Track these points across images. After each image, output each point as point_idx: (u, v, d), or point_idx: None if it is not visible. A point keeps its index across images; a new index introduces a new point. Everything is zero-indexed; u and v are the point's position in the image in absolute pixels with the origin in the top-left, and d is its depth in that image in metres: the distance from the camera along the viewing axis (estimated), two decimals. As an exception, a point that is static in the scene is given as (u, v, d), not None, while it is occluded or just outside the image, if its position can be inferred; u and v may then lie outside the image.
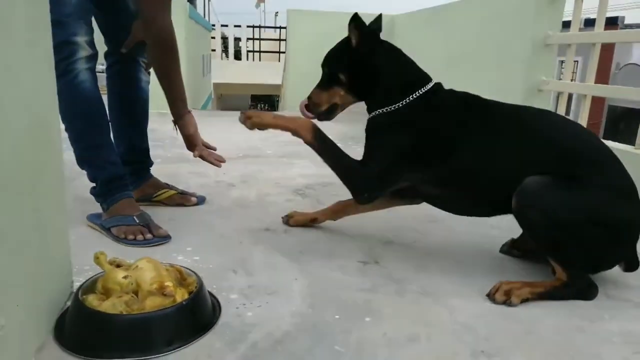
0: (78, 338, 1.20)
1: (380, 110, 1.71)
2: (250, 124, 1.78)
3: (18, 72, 1.08)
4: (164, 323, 1.21)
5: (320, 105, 1.78)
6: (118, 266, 1.34)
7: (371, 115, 1.75)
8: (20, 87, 1.10)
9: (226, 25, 12.81)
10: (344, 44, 1.73)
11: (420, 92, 1.67)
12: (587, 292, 1.52)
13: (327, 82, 1.76)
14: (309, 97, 1.80)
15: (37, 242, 1.18)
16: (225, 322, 1.33)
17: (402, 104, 1.67)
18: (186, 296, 1.29)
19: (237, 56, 14.66)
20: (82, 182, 2.43)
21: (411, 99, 1.67)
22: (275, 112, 1.67)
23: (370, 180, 1.71)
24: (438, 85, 1.73)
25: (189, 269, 1.42)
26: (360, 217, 2.16)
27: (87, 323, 1.20)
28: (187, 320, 1.25)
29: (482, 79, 3.55)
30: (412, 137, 1.66)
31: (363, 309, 1.42)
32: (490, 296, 1.49)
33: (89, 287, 1.31)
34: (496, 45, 3.70)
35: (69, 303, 1.36)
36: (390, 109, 1.69)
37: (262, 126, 1.77)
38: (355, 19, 1.65)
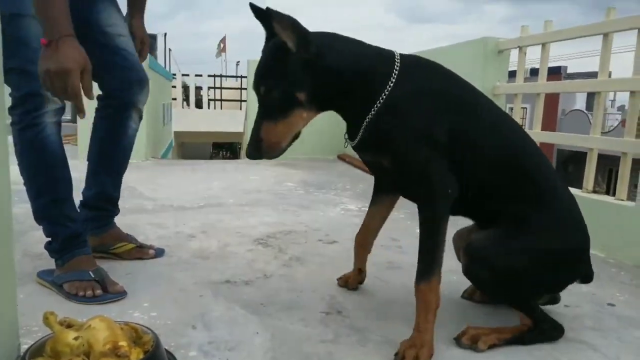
0: (23, 407, 1.12)
1: (371, 115, 1.40)
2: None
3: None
4: (118, 386, 1.15)
5: (280, 143, 1.38)
6: (69, 326, 1.27)
7: (364, 125, 1.42)
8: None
9: (187, 75, 12.92)
10: (278, 52, 1.33)
11: (397, 69, 1.40)
12: (552, 333, 1.52)
13: (279, 108, 1.35)
14: (257, 140, 1.37)
15: (-20, 304, 1.12)
16: (183, 381, 1.28)
17: (386, 92, 1.38)
18: (141, 356, 1.24)
19: (199, 104, 14.74)
20: (32, 237, 2.34)
21: (394, 81, 1.39)
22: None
23: (444, 192, 1.42)
24: (401, 54, 1.48)
25: (145, 327, 1.36)
26: (321, 266, 2.16)
27: (33, 390, 1.13)
28: (143, 382, 1.20)
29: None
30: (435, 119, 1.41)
31: (325, 361, 1.39)
32: (458, 340, 1.48)
33: (37, 350, 1.24)
34: (449, 95, 3.86)
35: (15, 368, 1.28)
36: (379, 104, 1.39)
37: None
38: (276, 15, 1.27)
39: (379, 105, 1.39)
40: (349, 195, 3.89)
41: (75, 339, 1.21)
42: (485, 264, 1.46)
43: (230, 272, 2.07)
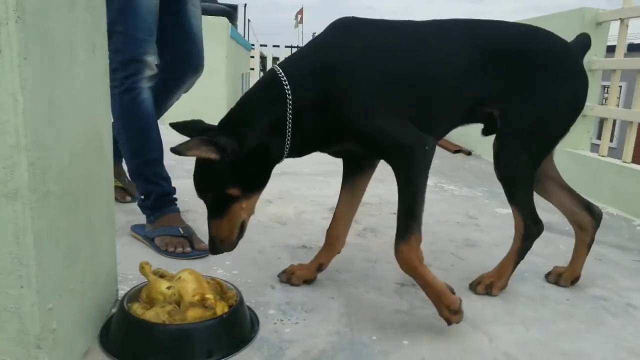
0: (121, 345, 1.23)
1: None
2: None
3: (78, 88, 1.15)
4: (205, 335, 1.23)
5: (230, 237, 1.43)
6: (161, 276, 1.37)
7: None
8: (79, 103, 1.16)
9: (265, 45, 13.07)
10: (203, 162, 1.34)
11: (285, 82, 1.34)
12: (535, 233, 1.59)
13: (220, 207, 1.40)
14: (211, 238, 1.44)
15: (88, 249, 1.23)
16: (263, 337, 1.34)
17: (290, 109, 1.34)
18: (226, 309, 1.31)
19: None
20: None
21: (291, 96, 1.33)
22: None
23: (418, 141, 1.36)
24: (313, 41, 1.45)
25: (229, 283, 1.44)
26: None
27: (131, 331, 1.24)
28: (227, 333, 1.27)
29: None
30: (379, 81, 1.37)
31: (400, 331, 1.40)
32: (472, 287, 1.65)
33: (134, 295, 1.35)
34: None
35: (114, 310, 1.40)
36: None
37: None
38: (181, 149, 1.25)
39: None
40: (424, 170, 3.82)
41: (168, 288, 1.31)
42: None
43: (306, 238, 2.12)
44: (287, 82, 1.33)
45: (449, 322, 1.36)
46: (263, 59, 14.51)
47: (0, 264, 0.94)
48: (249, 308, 1.43)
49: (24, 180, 0.92)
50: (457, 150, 4.68)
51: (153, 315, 1.24)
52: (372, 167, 1.67)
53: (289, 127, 1.35)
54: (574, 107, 1.55)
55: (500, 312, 1.55)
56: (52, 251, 1.02)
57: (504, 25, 1.57)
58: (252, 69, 12.39)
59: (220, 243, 1.43)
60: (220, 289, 1.40)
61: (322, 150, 1.49)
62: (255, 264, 1.83)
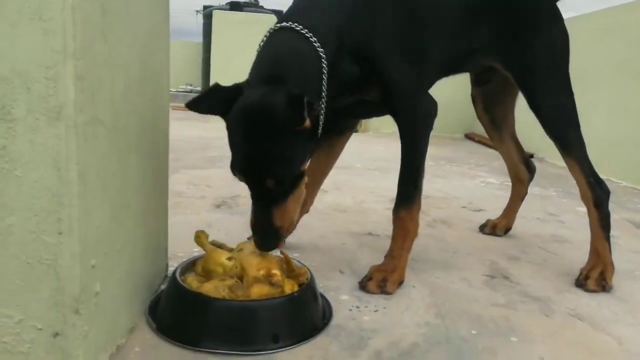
0: (173, 322, 1.03)
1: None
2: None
3: (136, 14, 0.96)
4: (272, 315, 1.02)
5: (294, 220, 1.18)
6: (219, 248, 1.17)
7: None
8: (136, 30, 0.98)
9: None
10: (282, 133, 1.05)
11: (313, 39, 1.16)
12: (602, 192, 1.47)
13: (288, 191, 1.11)
14: (274, 229, 1.11)
15: (139, 205, 1.04)
16: (338, 324, 1.11)
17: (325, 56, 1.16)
18: (296, 288, 1.09)
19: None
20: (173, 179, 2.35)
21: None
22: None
23: (421, 96, 1.33)
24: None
25: (297, 260, 1.22)
26: (472, 231, 1.91)
27: (185, 305, 1.03)
28: (298, 314, 1.05)
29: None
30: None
31: (504, 327, 1.15)
32: (580, 284, 1.40)
33: (187, 268, 1.15)
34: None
35: (163, 287, 1.20)
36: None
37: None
38: (297, 98, 1.02)
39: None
40: (486, 170, 3.54)
41: (229, 259, 1.10)
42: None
43: (371, 226, 1.89)
44: (312, 36, 1.15)
45: (365, 288, 1.29)
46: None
47: (36, 203, 0.75)
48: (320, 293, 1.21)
49: (70, 96, 0.73)
50: (518, 153, 4.35)
51: (211, 288, 1.03)
52: (351, 130, 1.59)
53: (325, 83, 1.17)
54: (568, 42, 1.52)
55: (619, 312, 1.27)
56: (98, 194, 0.83)
57: None
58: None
59: (287, 231, 1.15)
60: (287, 266, 1.18)
61: (338, 103, 1.29)
62: (318, 248, 1.62)
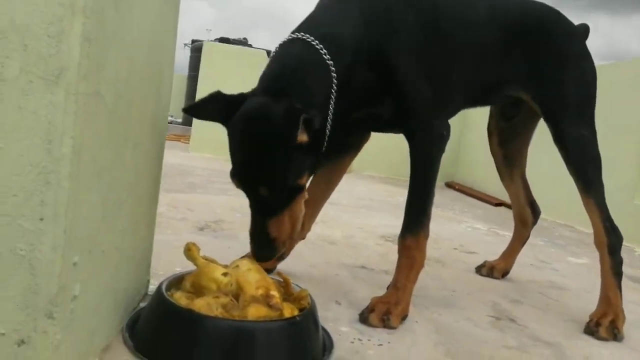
0: (156, 341, 0.90)
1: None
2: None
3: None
4: (273, 339, 0.90)
5: (292, 234, 1.12)
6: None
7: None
8: (144, 23, 0.90)
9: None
10: (279, 146, 1.02)
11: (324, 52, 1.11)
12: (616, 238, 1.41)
13: (284, 202, 1.07)
14: (269, 239, 1.08)
15: (130, 207, 0.92)
16: (341, 356, 1.00)
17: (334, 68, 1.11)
18: (296, 312, 0.98)
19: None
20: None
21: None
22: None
23: (438, 123, 1.27)
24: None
25: (297, 285, 1.11)
26: (468, 272, 1.82)
27: (171, 323, 0.90)
28: (299, 341, 0.93)
29: None
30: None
31: (520, 370, 1.05)
32: (591, 331, 1.32)
33: (174, 284, 1.02)
34: None
35: (142, 304, 1.07)
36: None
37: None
38: (294, 112, 1.00)
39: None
40: (470, 216, 3.50)
41: (224, 275, 0.98)
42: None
43: (363, 260, 1.79)
44: (322, 48, 1.11)
45: (367, 321, 1.18)
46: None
47: (16, 181, 0.63)
48: (317, 321, 1.09)
49: (74, 58, 0.63)
50: (499, 204, 4.36)
51: (204, 305, 0.91)
52: (357, 150, 1.51)
53: (333, 96, 1.13)
54: (596, 81, 1.50)
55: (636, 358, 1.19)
56: (92, 182, 0.72)
57: (519, 4, 1.50)
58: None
59: (282, 243, 1.11)
60: (286, 288, 1.07)
61: (349, 117, 1.25)
62: (312, 277, 1.50)
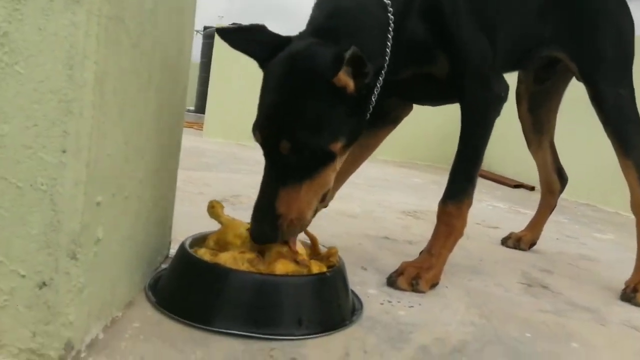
0: (180, 295, 0.86)
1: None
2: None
3: None
4: (300, 295, 0.86)
5: (306, 216, 0.94)
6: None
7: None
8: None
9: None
10: (322, 94, 0.90)
11: None
12: None
13: (308, 167, 0.92)
14: (273, 215, 0.90)
15: (153, 153, 0.88)
16: (370, 316, 0.95)
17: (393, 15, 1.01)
18: (324, 269, 0.93)
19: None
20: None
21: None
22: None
23: (496, 81, 1.19)
24: None
25: (323, 246, 1.06)
26: (493, 245, 1.77)
27: (195, 277, 0.86)
28: (328, 298, 0.89)
29: None
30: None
31: (560, 333, 1.00)
32: (627, 297, 1.25)
33: (197, 242, 0.98)
34: None
35: (164, 266, 1.03)
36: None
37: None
38: (345, 58, 0.86)
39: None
40: (489, 196, 3.43)
41: (249, 230, 0.94)
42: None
43: (386, 231, 1.74)
44: None
45: (395, 284, 1.12)
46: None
47: (37, 110, 0.59)
48: (344, 282, 1.05)
49: (96, -25, 0.58)
50: (518, 185, 4.28)
51: (229, 259, 0.87)
52: (395, 123, 1.43)
53: (389, 47, 1.01)
54: (634, 33, 1.43)
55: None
56: (115, 116, 0.68)
57: None
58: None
59: (290, 225, 0.91)
60: (313, 248, 1.02)
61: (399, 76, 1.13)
62: (336, 245, 1.45)
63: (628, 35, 1.42)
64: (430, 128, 5.35)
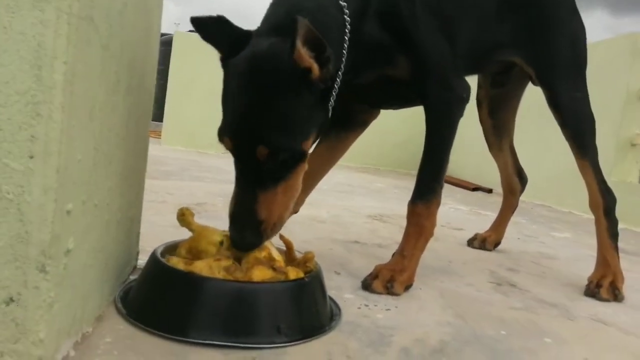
0: (154, 307, 0.82)
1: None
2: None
3: None
4: (278, 301, 0.84)
5: (284, 216, 0.94)
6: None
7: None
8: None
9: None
10: (288, 85, 0.89)
11: None
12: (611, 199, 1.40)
13: (283, 170, 0.91)
14: (255, 221, 0.88)
15: (121, 161, 0.84)
16: (349, 321, 0.94)
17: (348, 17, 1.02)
18: (301, 274, 0.92)
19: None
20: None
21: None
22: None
23: (455, 79, 1.20)
24: None
25: (298, 252, 1.05)
26: (459, 246, 1.80)
27: (171, 288, 0.83)
28: (307, 304, 0.87)
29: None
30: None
31: (532, 329, 1.02)
32: (591, 293, 1.30)
33: (168, 251, 0.95)
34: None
35: (132, 277, 0.99)
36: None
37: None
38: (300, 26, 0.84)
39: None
40: (451, 199, 3.50)
41: (225, 236, 0.91)
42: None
43: (354, 236, 1.75)
44: None
45: (370, 287, 1.12)
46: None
47: (2, 113, 0.55)
48: (320, 287, 1.03)
49: (65, -29, 0.55)
50: (476, 188, 4.39)
51: (205, 267, 0.84)
52: (363, 127, 1.42)
53: (346, 44, 1.02)
54: (586, 42, 1.50)
55: (634, 316, 1.18)
56: (84, 120, 0.64)
57: None
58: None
59: (272, 228, 0.91)
60: (289, 253, 1.01)
61: (358, 78, 1.14)
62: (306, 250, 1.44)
63: (581, 41, 1.48)
64: (390, 134, 5.43)
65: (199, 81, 4.91)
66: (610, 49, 3.16)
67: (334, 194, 2.88)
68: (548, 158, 3.41)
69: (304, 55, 0.87)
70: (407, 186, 4.37)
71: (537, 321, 1.07)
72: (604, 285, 1.30)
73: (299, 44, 0.85)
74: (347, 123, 1.36)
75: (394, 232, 1.89)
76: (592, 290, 1.30)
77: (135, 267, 1.06)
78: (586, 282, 1.35)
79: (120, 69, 0.77)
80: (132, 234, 1.02)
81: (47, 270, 0.58)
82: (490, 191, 4.33)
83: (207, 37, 0.91)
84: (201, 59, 4.84)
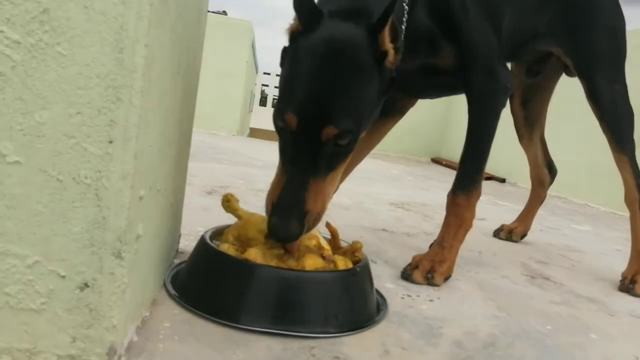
0: (207, 292, 0.82)
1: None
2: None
3: None
4: (333, 291, 0.83)
5: (325, 207, 0.91)
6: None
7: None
8: None
9: (268, 74, 12.85)
10: (364, 69, 0.86)
11: None
12: None
13: (338, 157, 0.88)
14: (301, 211, 0.83)
15: (175, 145, 0.83)
16: (396, 311, 0.94)
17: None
18: (350, 265, 0.91)
19: (263, 103, 14.55)
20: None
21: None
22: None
23: (500, 74, 1.17)
24: None
25: (344, 241, 1.04)
26: (486, 236, 1.79)
27: (225, 274, 0.82)
28: (359, 294, 0.87)
29: None
30: None
31: (576, 324, 1.02)
32: (625, 288, 1.30)
33: (215, 237, 0.94)
34: None
35: (176, 261, 0.99)
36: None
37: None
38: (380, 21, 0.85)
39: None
40: (465, 188, 3.49)
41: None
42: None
43: (382, 224, 1.74)
44: None
45: (410, 278, 1.12)
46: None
47: (82, 95, 0.54)
48: (363, 276, 1.03)
49: (148, -49, 0.54)
50: (488, 178, 4.37)
51: (259, 254, 0.83)
52: (400, 114, 1.44)
53: (403, 33, 0.99)
54: (625, 33, 1.47)
55: (677, 317, 1.17)
56: (156, 105, 0.63)
57: None
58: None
59: (315, 219, 0.87)
60: (333, 241, 1.00)
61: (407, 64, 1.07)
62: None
63: (621, 32, 1.45)
64: (402, 120, 5.40)
65: (209, 61, 4.86)
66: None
67: (352, 181, 2.87)
68: (563, 150, 3.39)
69: (386, 38, 0.86)
70: (420, 174, 4.37)
71: (579, 316, 1.06)
72: (638, 281, 1.29)
73: (387, 27, 0.84)
74: (386, 110, 1.34)
75: (419, 222, 1.89)
76: (627, 286, 1.29)
77: (177, 250, 1.06)
78: (619, 277, 1.35)
79: (182, 51, 0.76)
80: (178, 217, 1.02)
81: (122, 257, 0.58)
82: (503, 181, 4.32)
83: (297, 6, 0.87)
84: (208, 40, 4.80)
